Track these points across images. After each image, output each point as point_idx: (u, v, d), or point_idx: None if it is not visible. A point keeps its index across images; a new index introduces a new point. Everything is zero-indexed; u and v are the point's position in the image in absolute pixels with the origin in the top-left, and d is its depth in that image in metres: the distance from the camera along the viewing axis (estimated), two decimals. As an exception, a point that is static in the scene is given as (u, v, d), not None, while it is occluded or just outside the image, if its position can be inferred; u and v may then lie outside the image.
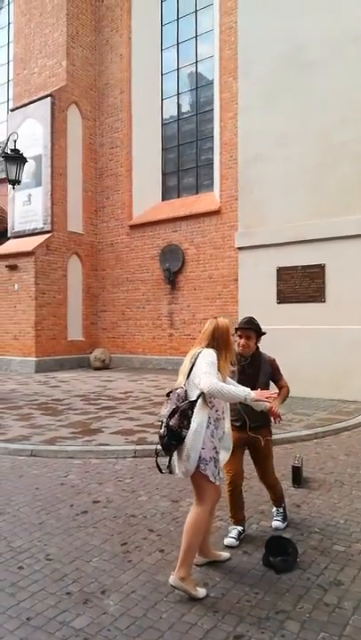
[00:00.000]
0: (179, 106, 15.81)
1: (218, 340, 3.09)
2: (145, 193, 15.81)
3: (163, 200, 15.95)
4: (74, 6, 15.53)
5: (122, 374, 13.62)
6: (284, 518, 3.93)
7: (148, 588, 3.03)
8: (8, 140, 10.24)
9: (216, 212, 13.81)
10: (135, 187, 15.89)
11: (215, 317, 3.25)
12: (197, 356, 3.07)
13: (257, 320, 3.79)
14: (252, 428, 3.68)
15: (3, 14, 19.75)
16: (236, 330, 3.68)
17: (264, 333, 3.77)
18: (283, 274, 9.65)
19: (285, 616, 2.68)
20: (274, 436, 6.33)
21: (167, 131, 16.06)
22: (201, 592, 2.90)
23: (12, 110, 16.36)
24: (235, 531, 3.63)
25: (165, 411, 3.03)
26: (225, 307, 13.37)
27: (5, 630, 2.67)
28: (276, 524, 3.87)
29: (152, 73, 16.04)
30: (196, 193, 15.25)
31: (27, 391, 10.90)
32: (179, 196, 15.68)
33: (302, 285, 9.44)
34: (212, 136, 14.60)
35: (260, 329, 3.75)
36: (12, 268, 14.91)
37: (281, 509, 3.95)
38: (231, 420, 3.50)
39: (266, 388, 3.68)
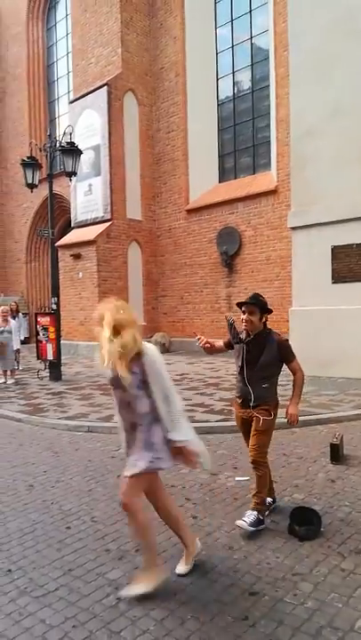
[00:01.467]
0: (234, 84, 15.66)
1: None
2: (202, 176, 15.88)
3: (220, 182, 15.95)
4: (127, -8, 15.70)
5: (181, 357, 13.94)
6: (255, 522, 3.47)
7: (178, 548, 3.28)
8: (64, 134, 10.67)
9: (273, 192, 13.66)
10: (192, 170, 15.98)
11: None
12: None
13: (264, 297, 3.72)
14: (254, 406, 3.64)
15: (60, 7, 20.28)
16: (240, 305, 3.68)
17: (270, 311, 3.65)
18: (338, 252, 9.48)
19: (301, 578, 2.85)
20: (319, 416, 6.41)
21: (223, 111, 15.98)
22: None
23: (72, 102, 16.88)
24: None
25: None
26: (283, 288, 13.27)
27: (49, 578, 3.06)
28: (240, 522, 3.48)
29: (207, 52, 15.96)
30: (253, 173, 15.13)
31: (90, 373, 11.47)
32: (235, 177, 15.61)
33: (358, 264, 9.24)
34: (269, 113, 14.37)
35: (266, 305, 3.63)
36: (76, 257, 15.56)
37: (253, 510, 3.54)
38: (235, 397, 3.70)
39: (269, 369, 3.61)
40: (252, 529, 3.43)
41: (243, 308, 3.63)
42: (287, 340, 3.71)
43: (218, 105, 16.04)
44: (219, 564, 3.06)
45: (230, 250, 14.53)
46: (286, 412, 3.63)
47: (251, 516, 3.50)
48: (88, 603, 2.78)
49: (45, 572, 3.12)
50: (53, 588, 2.95)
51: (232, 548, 3.26)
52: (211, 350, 3.88)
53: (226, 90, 15.87)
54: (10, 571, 3.15)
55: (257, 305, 3.60)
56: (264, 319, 3.64)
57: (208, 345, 3.81)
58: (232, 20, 15.51)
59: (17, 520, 3.91)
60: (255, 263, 14.12)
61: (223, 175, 15.98)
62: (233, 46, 15.57)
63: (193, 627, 2.49)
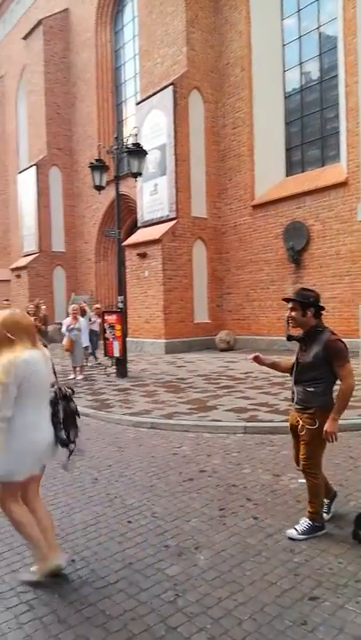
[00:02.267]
0: (301, 76, 15.26)
1: None
2: (268, 170, 15.61)
3: (286, 176, 15.61)
4: (193, -9, 15.72)
5: (246, 355, 13.78)
6: (308, 530, 3.37)
7: (238, 548, 3.26)
8: (130, 135, 10.86)
9: (343, 184, 13.18)
10: (257, 165, 15.76)
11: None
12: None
13: (313, 292, 3.49)
14: (298, 409, 3.47)
15: (127, 10, 20.65)
16: (286, 301, 3.53)
17: (316, 306, 3.40)
18: None
19: (364, 585, 2.73)
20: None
21: (290, 103, 15.62)
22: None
23: (138, 103, 17.15)
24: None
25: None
26: (353, 284, 12.82)
27: (110, 570, 3.13)
28: (289, 532, 3.40)
29: (273, 45, 15.64)
30: (322, 165, 14.67)
31: (155, 370, 11.63)
32: (303, 171, 15.22)
33: None
34: (338, 103, 13.87)
35: (308, 299, 3.39)
36: (142, 255, 15.82)
37: (308, 519, 3.43)
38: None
39: (313, 370, 3.39)
40: (301, 537, 3.33)
41: (288, 305, 3.51)
42: (338, 341, 3.35)
43: (285, 97, 15.70)
44: (279, 567, 3.00)
45: (297, 245, 14.19)
46: (325, 432, 3.36)
47: (303, 523, 3.42)
48: (147, 597, 2.81)
49: (107, 564, 3.19)
50: (114, 580, 3.01)
51: (293, 551, 3.18)
52: (273, 367, 3.81)
53: (293, 82, 15.50)
54: (73, 561, 3.25)
55: (296, 300, 3.42)
56: (310, 314, 3.42)
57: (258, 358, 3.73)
58: (299, 11, 15.12)
59: (82, 512, 4.02)
60: (324, 258, 13.71)
61: (290, 169, 15.63)
62: (300, 37, 15.18)
63: (250, 628, 2.46)
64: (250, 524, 3.61)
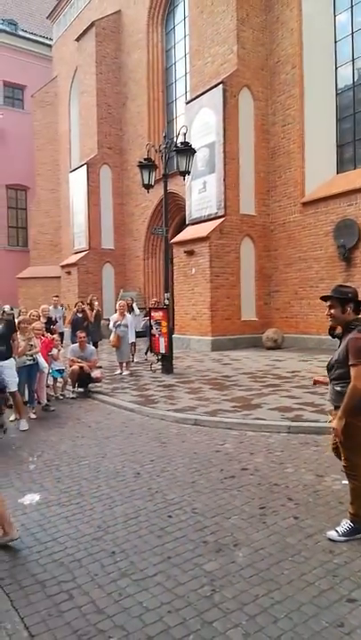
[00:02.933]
0: (354, 72, 14.87)
1: None
2: (318, 168, 15.31)
3: (338, 173, 15.26)
4: (244, -11, 15.61)
5: (293, 354, 13.62)
6: (349, 531, 3.34)
7: (277, 547, 3.25)
8: (179, 134, 10.92)
9: (396, 181, 12.79)
10: (308, 162, 15.48)
11: None
12: None
13: (351, 287, 3.43)
14: (335, 407, 3.44)
15: (179, 11, 20.73)
16: (323, 299, 3.51)
17: (351, 299, 3.36)
18: None
19: None
20: None
21: (342, 100, 15.25)
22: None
23: (188, 102, 17.20)
24: None
25: None
26: None
27: (149, 563, 3.19)
28: (330, 533, 3.40)
29: (325, 42, 15.32)
30: (375, 162, 14.27)
31: (200, 368, 11.66)
32: (355, 168, 14.83)
33: None
34: (392, 98, 13.48)
35: (344, 295, 3.36)
36: (190, 253, 15.87)
37: (349, 521, 3.39)
38: None
39: (340, 368, 3.36)
40: (342, 539, 3.29)
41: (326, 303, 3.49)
42: (360, 339, 3.25)
43: (336, 94, 15.33)
44: (318, 567, 2.98)
45: (348, 243, 13.85)
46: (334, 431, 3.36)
47: (345, 525, 3.38)
48: (184, 591, 2.85)
49: (146, 557, 3.25)
50: (152, 573, 3.07)
51: (333, 552, 3.14)
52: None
53: (345, 78, 15.12)
54: (114, 553, 3.34)
55: (333, 296, 3.39)
56: (349, 310, 3.38)
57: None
58: (352, 6, 14.72)
59: (123, 505, 4.11)
60: (376, 257, 13.32)
61: (342, 166, 15.26)
62: (353, 33, 14.78)
63: (286, 626, 2.45)
64: (290, 523, 3.59)
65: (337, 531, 3.37)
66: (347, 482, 3.61)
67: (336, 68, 15.25)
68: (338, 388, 3.42)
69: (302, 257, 15.41)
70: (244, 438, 5.91)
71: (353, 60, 14.80)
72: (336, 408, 3.44)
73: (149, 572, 3.08)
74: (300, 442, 5.62)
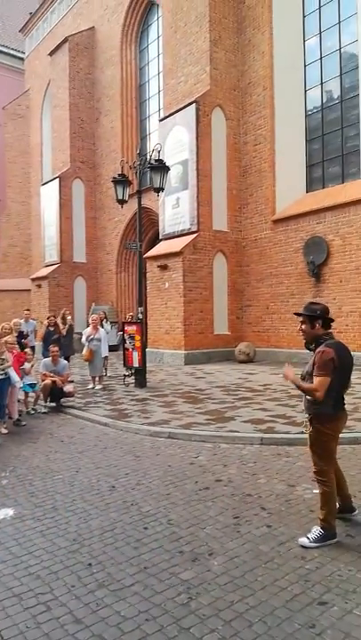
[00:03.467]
0: (323, 95, 15.43)
1: None
2: (289, 186, 15.74)
3: (307, 192, 15.72)
4: (216, 12, 16.04)
5: (265, 367, 13.84)
6: (319, 538, 3.45)
7: (251, 555, 3.35)
8: (153, 151, 11.10)
9: (363, 201, 13.25)
10: (278, 181, 15.90)
11: None
12: None
13: (321, 305, 3.70)
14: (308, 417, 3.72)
15: (152, 29, 21.14)
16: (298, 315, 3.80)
17: (323, 318, 3.62)
18: None
19: (373, 593, 2.79)
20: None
21: (311, 122, 15.77)
22: None
23: (161, 120, 17.48)
24: None
25: None
26: (373, 299, 12.80)
27: (126, 573, 3.24)
28: (301, 540, 3.51)
29: (295, 66, 15.86)
30: (342, 182, 14.75)
31: (174, 381, 11.74)
32: (324, 187, 15.32)
33: None
34: (358, 122, 14.01)
35: (313, 312, 3.62)
36: (163, 267, 16.01)
37: (319, 527, 3.52)
38: None
39: (310, 379, 3.60)
40: (313, 545, 3.42)
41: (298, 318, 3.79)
42: (325, 352, 3.51)
43: (306, 116, 15.86)
44: (290, 573, 3.08)
45: (317, 260, 14.24)
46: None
47: (315, 532, 3.51)
48: (161, 599, 2.91)
49: (122, 568, 3.30)
50: (129, 583, 3.12)
51: (304, 559, 3.25)
52: None
53: (314, 100, 15.67)
54: (90, 565, 3.37)
55: (304, 313, 3.68)
56: (318, 326, 3.64)
57: None
58: (320, 33, 15.33)
59: (99, 518, 4.14)
60: (344, 273, 13.72)
61: (311, 185, 15.74)
62: (321, 58, 15.37)
63: (260, 630, 2.54)
64: (263, 532, 3.69)
65: (308, 537, 3.50)
66: (317, 491, 3.76)
67: (306, 91, 15.79)
68: (308, 397, 3.63)
69: (273, 272, 15.74)
70: (217, 450, 6.01)
71: (321, 83, 15.36)
72: (309, 416, 3.65)
73: (126, 582, 3.13)
74: (273, 453, 5.75)
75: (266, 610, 2.71)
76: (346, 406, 3.75)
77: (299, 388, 3.64)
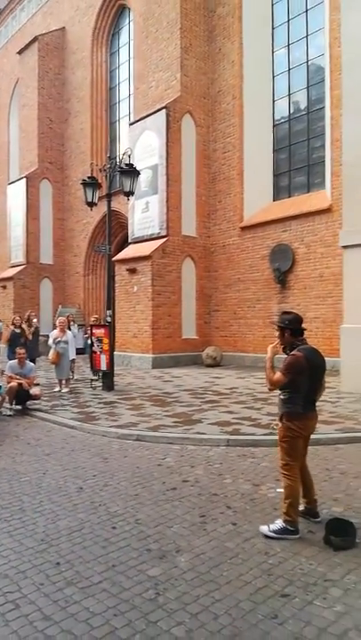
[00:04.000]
0: (290, 105, 15.83)
1: None
2: (256, 194, 16.06)
3: (274, 200, 16.07)
4: (187, 20, 16.25)
5: (231, 371, 14.04)
6: (279, 530, 3.65)
7: (216, 551, 3.45)
8: (123, 156, 11.16)
9: (327, 210, 13.63)
10: (247, 189, 16.21)
11: None
12: None
13: (291, 315, 4.01)
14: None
15: (123, 33, 21.21)
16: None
17: (290, 328, 3.91)
18: (390, 271, 9.38)
19: (332, 584, 2.97)
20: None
21: (278, 131, 16.16)
22: None
23: (132, 124, 17.55)
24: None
25: None
26: (336, 305, 13.15)
27: (94, 572, 3.29)
28: (261, 527, 3.76)
29: (263, 76, 16.23)
30: (308, 192, 15.16)
31: (142, 385, 11.79)
32: (290, 196, 15.69)
33: None
34: (324, 134, 14.42)
35: (281, 323, 3.95)
36: (132, 271, 16.06)
37: (282, 521, 3.70)
38: None
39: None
40: (270, 534, 3.66)
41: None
42: (294, 356, 3.82)
43: (273, 126, 16.24)
44: (254, 568, 3.20)
45: (283, 267, 14.57)
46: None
47: (278, 524, 3.71)
48: (129, 595, 2.98)
49: (91, 567, 3.35)
50: (97, 580, 3.17)
51: (268, 554, 3.39)
52: None
53: (282, 111, 16.06)
54: (58, 564, 3.41)
55: (277, 324, 4.00)
56: (287, 335, 3.94)
57: None
58: (289, 45, 15.74)
59: (67, 519, 4.17)
60: (308, 280, 14.09)
61: (278, 194, 16.10)
62: (289, 69, 15.78)
63: (225, 621, 2.65)
64: (229, 529, 3.81)
65: (269, 526, 3.72)
66: (280, 490, 3.96)
67: (274, 101, 16.18)
68: (282, 397, 3.92)
69: (241, 278, 16.01)
70: (184, 452, 6.11)
71: (289, 94, 15.76)
72: (280, 414, 3.92)
73: (95, 579, 3.18)
74: (238, 454, 5.90)
75: (231, 603, 2.82)
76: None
77: (265, 368, 3.94)
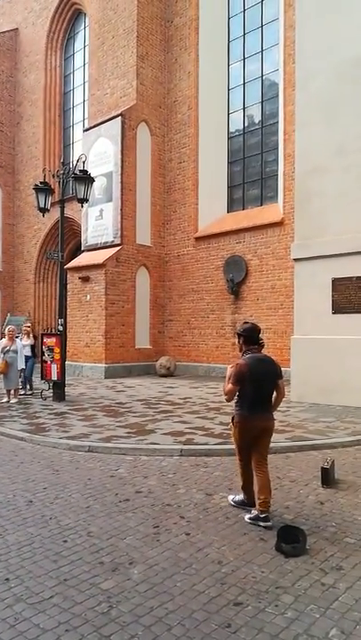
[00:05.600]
0: (245, 119, 16.20)
1: None
2: (211, 206, 16.30)
3: (228, 212, 16.35)
4: (144, 28, 16.38)
5: (185, 381, 14.09)
6: (239, 502, 4.46)
7: (170, 562, 3.44)
8: (77, 162, 11.07)
9: (279, 224, 14.00)
10: (201, 200, 16.42)
11: None
12: None
13: (249, 325, 4.44)
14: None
15: (79, 38, 21.10)
16: None
17: (240, 336, 4.42)
18: (338, 285, 9.71)
19: (283, 591, 3.02)
20: (314, 442, 6.59)
21: (233, 144, 16.49)
22: None
23: (86, 130, 17.46)
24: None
25: None
26: (287, 316, 13.49)
27: (45, 586, 3.21)
28: (229, 497, 4.64)
29: (219, 88, 16.55)
30: (261, 205, 15.52)
31: (94, 395, 11.65)
32: (243, 208, 16.01)
33: (357, 296, 9.46)
34: (277, 148, 14.83)
35: (240, 330, 4.45)
36: (85, 279, 15.90)
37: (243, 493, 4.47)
38: None
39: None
40: (232, 502, 4.51)
41: None
42: (237, 365, 4.24)
43: (228, 138, 16.56)
44: (207, 577, 3.21)
45: (236, 278, 14.82)
46: None
47: (241, 495, 4.50)
48: (81, 609, 2.92)
49: (41, 582, 3.26)
50: (48, 595, 3.09)
51: (221, 563, 3.40)
52: None
53: (237, 124, 16.41)
54: (7, 579, 3.30)
55: (236, 331, 4.59)
56: (240, 342, 4.44)
57: None
58: (244, 59, 16.13)
59: (16, 533, 4.05)
60: (260, 291, 14.38)
61: (232, 206, 16.40)
62: (244, 83, 16.17)
63: (179, 632, 2.64)
64: (182, 539, 3.80)
65: (233, 496, 4.56)
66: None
67: (229, 114, 16.50)
68: (233, 401, 4.37)
69: (195, 289, 16.15)
70: (138, 463, 6.07)
71: (244, 107, 16.12)
72: (233, 415, 4.43)
73: (45, 594, 3.10)
74: (192, 464, 5.91)
75: (184, 613, 2.82)
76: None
77: (226, 380, 4.36)
